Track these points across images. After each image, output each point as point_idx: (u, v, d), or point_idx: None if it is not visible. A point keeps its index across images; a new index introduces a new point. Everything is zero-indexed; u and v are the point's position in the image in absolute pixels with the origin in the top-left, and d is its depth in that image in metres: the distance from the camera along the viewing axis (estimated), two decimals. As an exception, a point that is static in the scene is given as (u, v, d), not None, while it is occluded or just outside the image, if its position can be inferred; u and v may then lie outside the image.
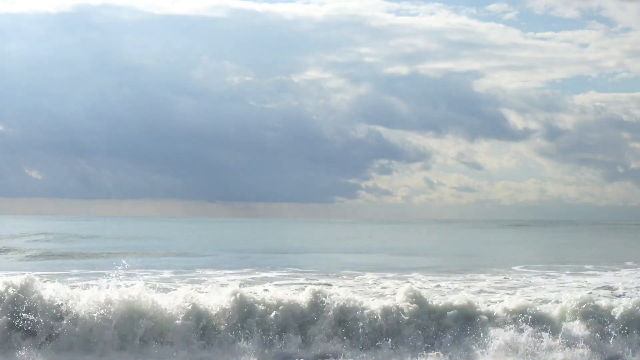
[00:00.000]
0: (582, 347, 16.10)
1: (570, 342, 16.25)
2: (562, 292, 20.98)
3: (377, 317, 16.58)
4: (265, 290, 17.94)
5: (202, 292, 17.43)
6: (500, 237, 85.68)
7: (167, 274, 29.66)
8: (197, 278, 27.83)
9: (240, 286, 17.44)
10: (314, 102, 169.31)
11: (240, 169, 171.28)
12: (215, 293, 17.07)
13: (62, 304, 15.81)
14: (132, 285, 16.60)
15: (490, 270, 33.27)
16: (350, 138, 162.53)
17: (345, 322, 16.48)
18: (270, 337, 15.92)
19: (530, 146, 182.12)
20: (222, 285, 21.79)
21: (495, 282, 28.15)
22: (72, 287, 17.03)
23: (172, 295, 16.66)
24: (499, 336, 16.15)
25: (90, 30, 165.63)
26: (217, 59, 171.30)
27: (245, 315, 16.25)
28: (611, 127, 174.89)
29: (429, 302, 17.16)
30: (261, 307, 16.48)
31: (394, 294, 19.24)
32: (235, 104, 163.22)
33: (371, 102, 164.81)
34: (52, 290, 16.12)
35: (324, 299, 16.81)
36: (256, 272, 31.46)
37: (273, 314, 16.35)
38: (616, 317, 17.26)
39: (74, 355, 14.89)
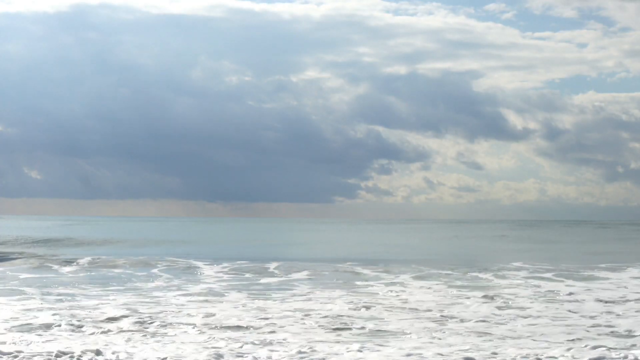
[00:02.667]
0: None
1: None
2: None
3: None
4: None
5: None
6: (497, 238, 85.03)
7: None
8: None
9: None
10: (313, 101, 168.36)
11: (240, 169, 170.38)
12: None
13: None
14: None
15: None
16: (350, 138, 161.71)
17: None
18: None
19: (529, 146, 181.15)
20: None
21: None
22: None
23: None
24: None
25: (88, 30, 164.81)
26: (215, 58, 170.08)
27: None
28: (610, 127, 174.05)
29: None
30: None
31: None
32: (234, 104, 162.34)
33: (370, 102, 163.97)
34: None
35: None
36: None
37: None
38: None
39: None
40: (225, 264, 36.77)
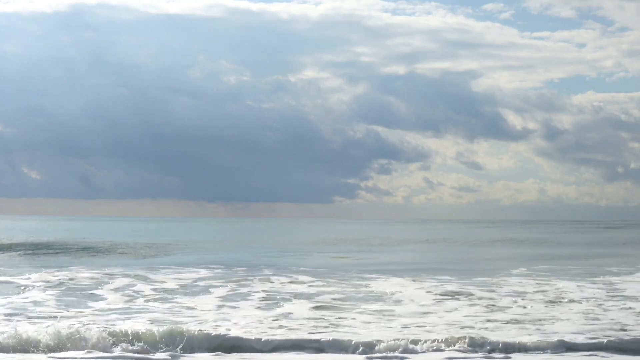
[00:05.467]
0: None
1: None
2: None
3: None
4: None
5: None
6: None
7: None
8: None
9: None
10: (312, 101, 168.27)
11: (239, 169, 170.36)
12: None
13: None
14: None
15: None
16: (349, 138, 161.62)
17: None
18: None
19: (529, 146, 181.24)
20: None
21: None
22: None
23: None
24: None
25: (86, 30, 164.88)
26: (214, 58, 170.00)
27: None
28: (610, 127, 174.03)
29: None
30: None
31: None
32: (233, 104, 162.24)
33: (369, 101, 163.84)
34: None
35: None
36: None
37: None
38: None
39: None
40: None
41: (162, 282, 27.76)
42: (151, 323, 17.77)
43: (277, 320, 18.68)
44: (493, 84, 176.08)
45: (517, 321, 18.69)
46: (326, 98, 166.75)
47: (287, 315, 19.56)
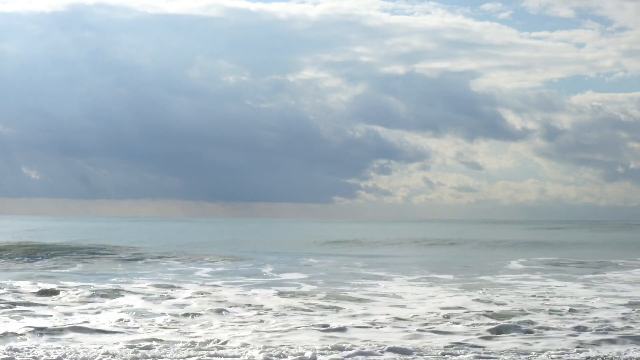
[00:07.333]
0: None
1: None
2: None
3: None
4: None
5: None
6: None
7: None
8: None
9: None
10: (311, 101, 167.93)
11: (239, 169, 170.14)
12: None
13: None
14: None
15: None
16: (349, 138, 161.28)
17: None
18: None
19: (528, 146, 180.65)
20: None
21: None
22: None
23: None
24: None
25: (85, 30, 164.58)
26: (213, 58, 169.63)
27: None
28: (609, 127, 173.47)
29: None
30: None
31: None
32: (232, 104, 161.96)
33: (368, 101, 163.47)
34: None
35: None
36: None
37: None
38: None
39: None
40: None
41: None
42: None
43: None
44: (492, 84, 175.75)
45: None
46: (325, 98, 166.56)
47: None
